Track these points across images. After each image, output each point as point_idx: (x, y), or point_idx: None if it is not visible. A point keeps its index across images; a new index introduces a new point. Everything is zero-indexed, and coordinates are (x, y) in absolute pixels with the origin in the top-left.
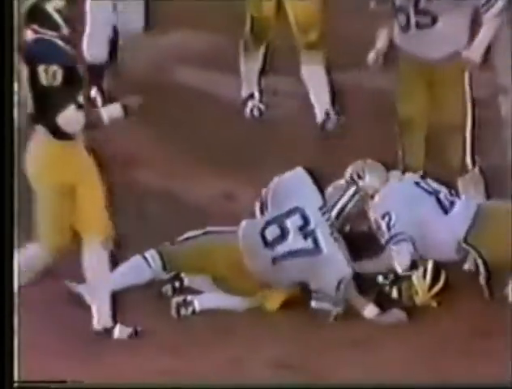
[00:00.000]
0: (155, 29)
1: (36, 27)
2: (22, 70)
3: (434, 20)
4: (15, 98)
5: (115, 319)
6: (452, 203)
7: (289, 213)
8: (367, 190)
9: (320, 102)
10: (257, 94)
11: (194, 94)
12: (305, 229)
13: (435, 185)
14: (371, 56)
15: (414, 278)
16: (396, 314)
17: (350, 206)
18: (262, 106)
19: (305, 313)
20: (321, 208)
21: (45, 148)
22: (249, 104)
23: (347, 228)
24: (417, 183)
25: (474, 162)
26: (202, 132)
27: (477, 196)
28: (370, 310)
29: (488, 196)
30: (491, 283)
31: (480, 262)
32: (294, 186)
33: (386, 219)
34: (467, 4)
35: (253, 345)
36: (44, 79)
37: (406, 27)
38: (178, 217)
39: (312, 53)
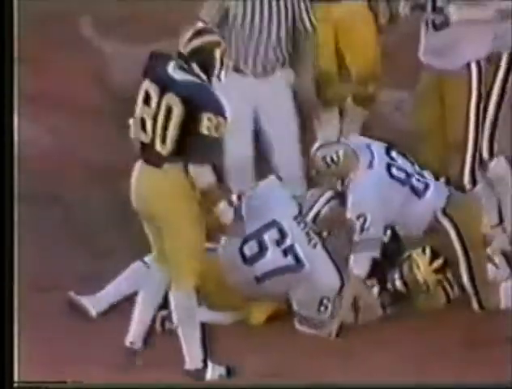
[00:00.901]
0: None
1: (194, 66)
2: (174, 109)
3: (447, 22)
4: (15, 104)
5: None
6: (426, 186)
7: (267, 227)
8: (340, 174)
9: None
10: None
11: None
12: (283, 244)
13: (403, 162)
14: (401, 4)
15: (414, 254)
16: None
17: (325, 210)
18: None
19: (292, 322)
20: (296, 218)
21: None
22: None
23: (325, 233)
24: (389, 167)
25: (474, 181)
26: None
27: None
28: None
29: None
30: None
31: (455, 238)
32: (268, 197)
33: (361, 220)
34: (482, 9)
35: (239, 356)
36: (205, 129)
37: (426, 26)
38: None
39: (358, 109)
